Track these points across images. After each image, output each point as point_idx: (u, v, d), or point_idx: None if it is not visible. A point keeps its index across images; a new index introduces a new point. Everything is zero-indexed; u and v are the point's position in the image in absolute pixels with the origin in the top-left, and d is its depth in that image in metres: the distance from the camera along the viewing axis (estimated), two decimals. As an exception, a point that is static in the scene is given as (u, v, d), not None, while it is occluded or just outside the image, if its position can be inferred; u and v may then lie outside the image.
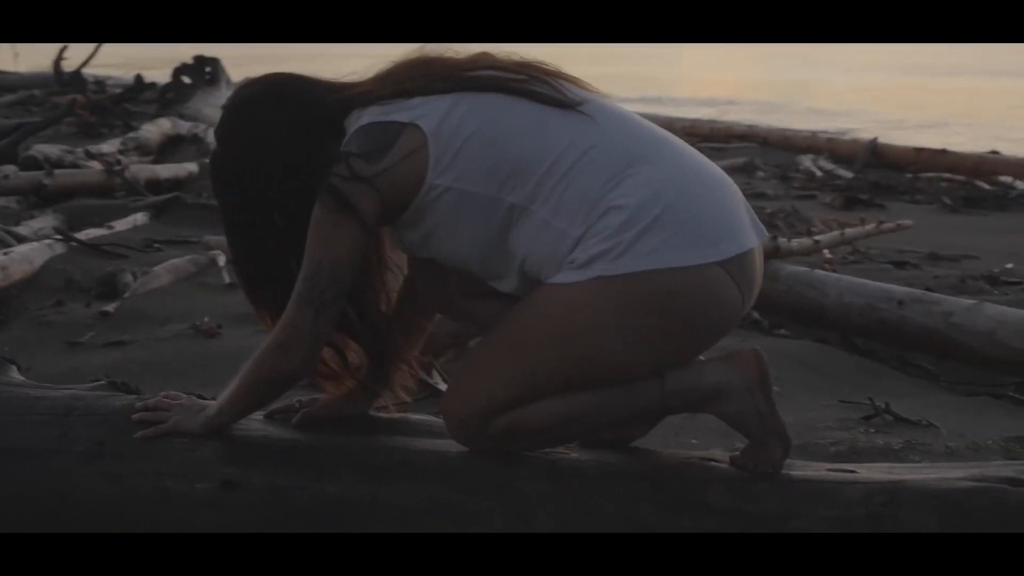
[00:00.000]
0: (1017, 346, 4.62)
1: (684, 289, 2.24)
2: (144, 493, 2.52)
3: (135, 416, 2.59)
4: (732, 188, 2.38)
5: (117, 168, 7.98)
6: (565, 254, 2.28)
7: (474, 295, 2.49)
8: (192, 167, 8.96)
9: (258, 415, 2.65)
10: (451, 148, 2.31)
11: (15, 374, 2.96)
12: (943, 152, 13.57)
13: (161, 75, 15.42)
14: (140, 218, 6.96)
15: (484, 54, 2.43)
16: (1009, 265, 7.16)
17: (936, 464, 2.43)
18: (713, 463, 2.34)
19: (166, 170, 8.62)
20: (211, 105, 13.51)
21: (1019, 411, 4.27)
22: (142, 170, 8.35)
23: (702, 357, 2.40)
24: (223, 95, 14.38)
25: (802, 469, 2.31)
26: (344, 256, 2.34)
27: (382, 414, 2.65)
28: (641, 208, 2.24)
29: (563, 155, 2.29)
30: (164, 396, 2.66)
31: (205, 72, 14.84)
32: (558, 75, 2.41)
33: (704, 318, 2.28)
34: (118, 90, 16.38)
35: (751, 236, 2.32)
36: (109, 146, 9.23)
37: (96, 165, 8.22)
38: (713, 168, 2.39)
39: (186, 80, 14.83)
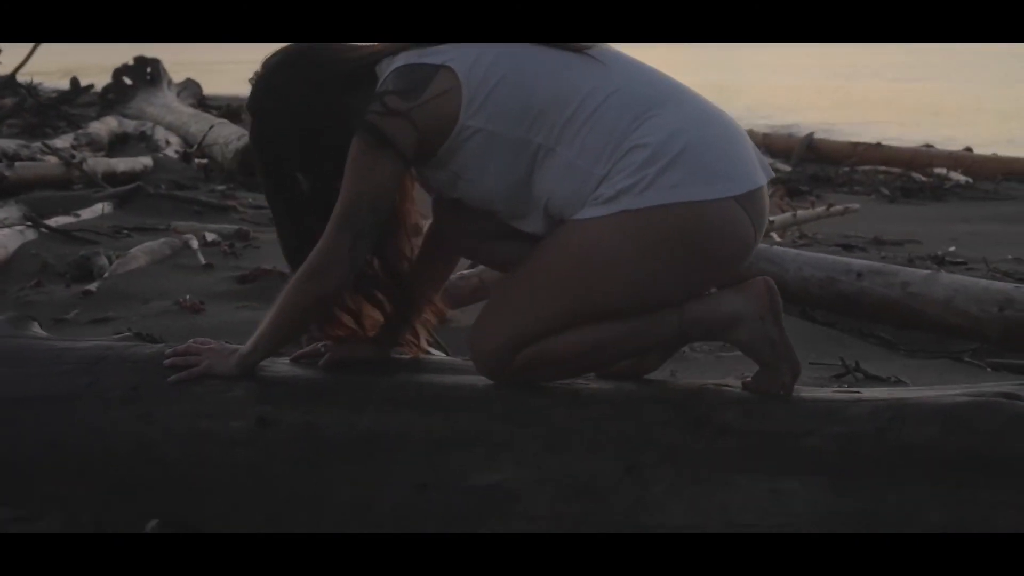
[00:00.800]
0: (973, 312, 4.82)
1: (704, 221, 2.40)
2: (179, 433, 2.62)
3: (167, 361, 2.69)
4: (742, 131, 2.54)
5: (75, 161, 8.02)
6: (589, 192, 2.42)
7: (498, 237, 2.62)
8: (147, 161, 9.01)
9: (285, 361, 2.77)
10: (482, 90, 2.44)
11: (37, 329, 3.06)
12: (878, 146, 13.91)
13: (98, 80, 15.35)
14: (105, 207, 7.01)
15: None
16: (951, 248, 7.42)
17: (933, 386, 2.59)
18: (728, 388, 2.50)
19: (123, 163, 8.67)
20: (154, 104, 13.50)
21: (981, 373, 4.47)
22: (99, 163, 8.39)
23: (715, 290, 2.57)
24: (165, 95, 14.39)
25: (811, 391, 2.48)
26: (382, 188, 2.46)
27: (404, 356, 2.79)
28: (663, 146, 2.39)
29: (587, 98, 2.44)
30: (194, 342, 2.77)
31: (146, 72, 14.81)
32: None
33: (721, 249, 2.43)
34: (53, 94, 16.28)
35: (761, 174, 2.49)
36: (62, 142, 9.25)
37: (52, 160, 8.25)
38: (724, 112, 2.54)
39: (127, 81, 14.81)
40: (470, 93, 2.44)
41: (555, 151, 2.45)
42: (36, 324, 3.07)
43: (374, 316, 2.74)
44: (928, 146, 14.12)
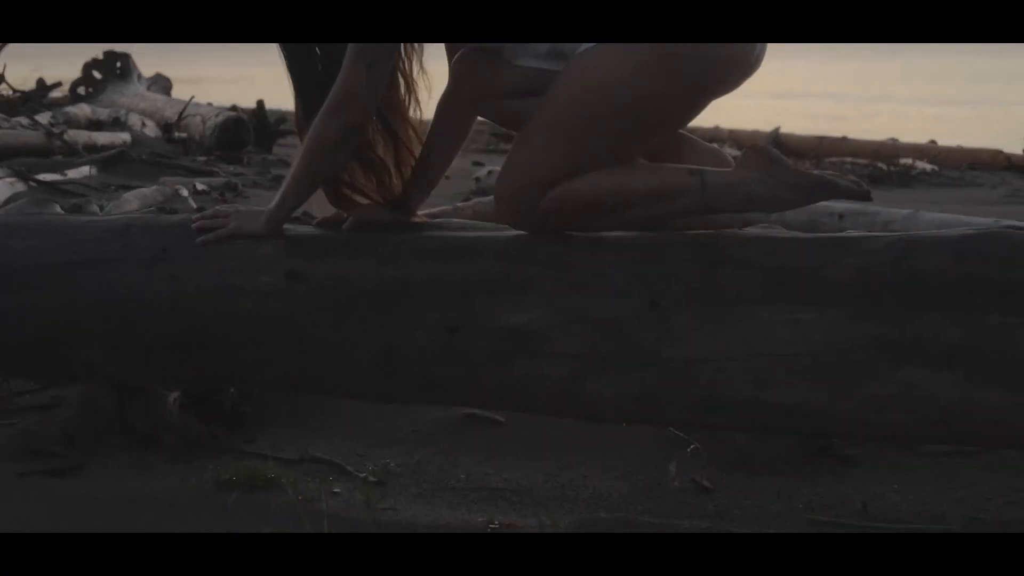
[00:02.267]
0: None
1: None
2: (209, 290, 2.68)
3: (195, 224, 2.76)
4: None
5: (57, 131, 8.05)
6: None
7: (514, 94, 2.70)
8: (126, 136, 9.04)
9: (310, 226, 2.84)
10: None
11: (59, 210, 3.12)
12: (844, 139, 14.12)
13: (65, 80, 15.29)
14: (90, 170, 7.05)
15: None
16: (923, 230, 7.54)
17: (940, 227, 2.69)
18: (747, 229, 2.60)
19: (103, 136, 8.70)
20: (125, 95, 13.52)
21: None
22: (80, 135, 8.42)
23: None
24: (136, 87, 14.41)
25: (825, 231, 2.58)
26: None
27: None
28: None
29: None
30: (221, 207, 2.84)
31: (116, 67, 14.82)
32: None
33: (720, 55, 2.52)
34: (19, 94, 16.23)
35: None
36: (41, 119, 9.25)
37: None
38: None
39: (96, 75, 14.82)
40: None
41: None
42: (58, 206, 3.13)
43: (393, 181, 2.82)
44: (893, 140, 14.34)
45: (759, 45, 2.60)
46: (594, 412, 2.56)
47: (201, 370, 2.77)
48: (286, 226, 2.75)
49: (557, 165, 2.53)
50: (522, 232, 2.63)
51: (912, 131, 16.29)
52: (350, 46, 2.56)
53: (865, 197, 2.52)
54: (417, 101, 2.81)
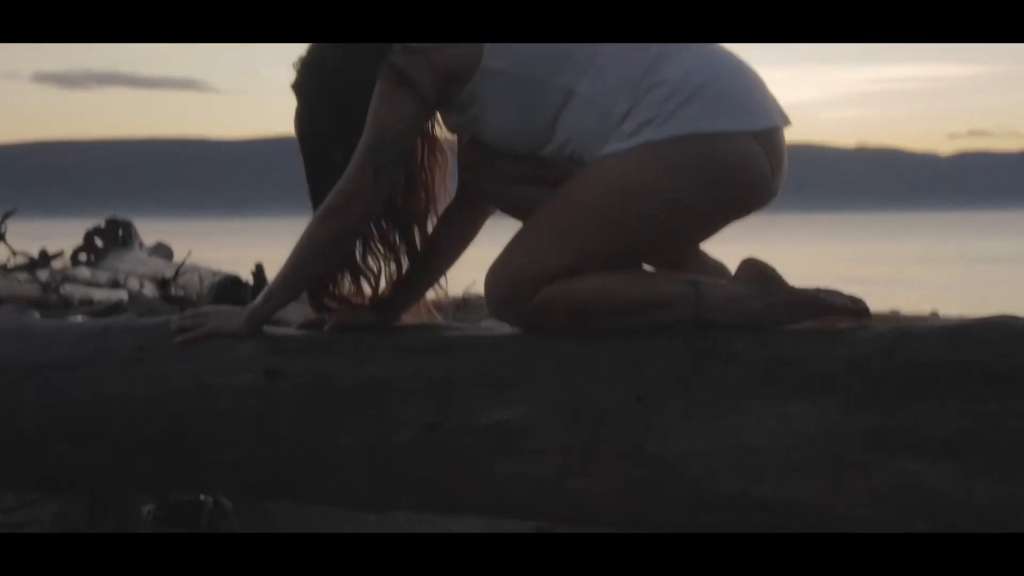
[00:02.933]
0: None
1: (721, 153, 2.46)
2: (186, 390, 2.62)
3: (174, 325, 2.71)
4: (757, 75, 2.61)
5: (53, 285, 8.07)
6: (612, 129, 2.49)
7: (523, 182, 2.66)
8: (123, 294, 9.05)
9: (291, 328, 2.79)
10: None
11: (39, 316, 3.08)
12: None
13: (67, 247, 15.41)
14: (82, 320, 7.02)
15: None
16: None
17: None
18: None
19: (100, 293, 8.72)
20: (125, 261, 13.59)
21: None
22: (77, 290, 8.44)
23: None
24: (137, 255, 14.48)
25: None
26: (403, 127, 2.53)
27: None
28: (683, 80, 2.47)
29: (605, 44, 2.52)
30: (200, 309, 2.80)
31: (118, 234, 14.93)
32: None
33: (740, 182, 2.49)
34: (26, 260, 16.35)
35: (778, 117, 2.56)
36: (41, 276, 9.29)
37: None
38: (737, 56, 2.62)
39: (98, 242, 14.91)
40: None
41: (576, 91, 2.52)
42: (37, 313, 3.09)
43: (382, 281, 2.78)
44: (895, 311, 14.36)
45: (781, 174, 2.58)
46: (578, 512, 2.47)
47: (175, 474, 2.69)
48: (266, 327, 2.70)
49: (557, 264, 2.49)
50: (507, 330, 2.58)
51: (915, 300, 16.38)
52: (359, 150, 2.53)
53: (863, 314, 2.48)
54: (436, 215, 2.79)
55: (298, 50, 2.71)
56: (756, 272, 2.54)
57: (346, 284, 2.75)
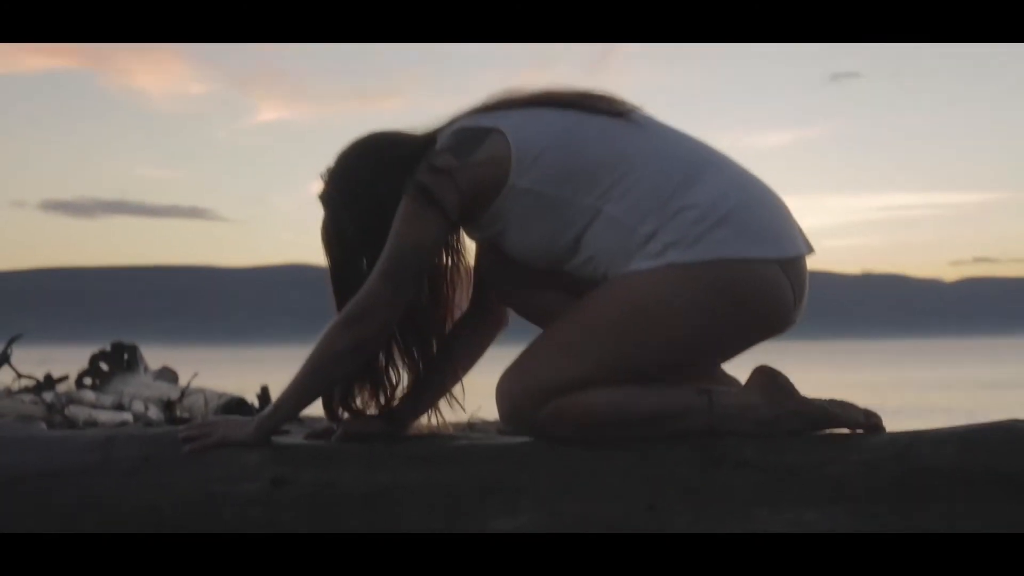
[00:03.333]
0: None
1: (747, 279, 2.45)
2: (192, 499, 2.59)
3: (181, 434, 2.69)
4: (783, 202, 2.62)
5: (58, 407, 8.05)
6: (636, 249, 2.49)
7: (541, 286, 2.67)
8: (127, 416, 9.02)
9: (298, 436, 2.78)
10: (531, 152, 2.53)
11: (43, 427, 3.06)
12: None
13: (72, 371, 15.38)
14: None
15: (551, 88, 2.67)
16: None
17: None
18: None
19: (104, 415, 8.70)
20: (131, 384, 13.55)
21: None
22: (81, 411, 8.42)
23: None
24: (142, 379, 14.46)
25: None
26: (425, 243, 2.53)
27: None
28: (712, 205, 2.47)
29: (633, 161, 2.52)
30: (208, 419, 2.78)
31: (123, 358, 14.92)
32: (609, 96, 2.67)
33: (763, 308, 2.49)
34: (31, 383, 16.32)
35: (803, 245, 2.56)
36: (46, 398, 9.28)
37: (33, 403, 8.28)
38: (764, 182, 2.63)
39: (103, 367, 14.89)
40: (519, 154, 2.53)
41: (602, 211, 2.52)
42: (43, 424, 3.08)
43: (392, 398, 2.77)
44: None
45: (803, 301, 2.58)
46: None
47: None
48: (273, 437, 2.68)
49: (571, 376, 2.48)
50: (516, 439, 2.56)
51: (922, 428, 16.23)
52: (380, 263, 2.54)
53: (876, 429, 2.47)
54: (451, 315, 2.78)
55: (316, 167, 2.75)
56: (768, 380, 2.53)
57: (365, 394, 2.74)
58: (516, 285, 2.71)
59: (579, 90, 2.68)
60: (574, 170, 2.53)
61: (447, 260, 2.74)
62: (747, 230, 2.47)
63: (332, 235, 2.70)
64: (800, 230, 2.61)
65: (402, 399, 2.77)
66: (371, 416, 2.75)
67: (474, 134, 2.57)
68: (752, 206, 2.51)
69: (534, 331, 2.68)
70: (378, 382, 2.72)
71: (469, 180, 2.53)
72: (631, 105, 2.66)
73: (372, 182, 2.63)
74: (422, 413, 2.79)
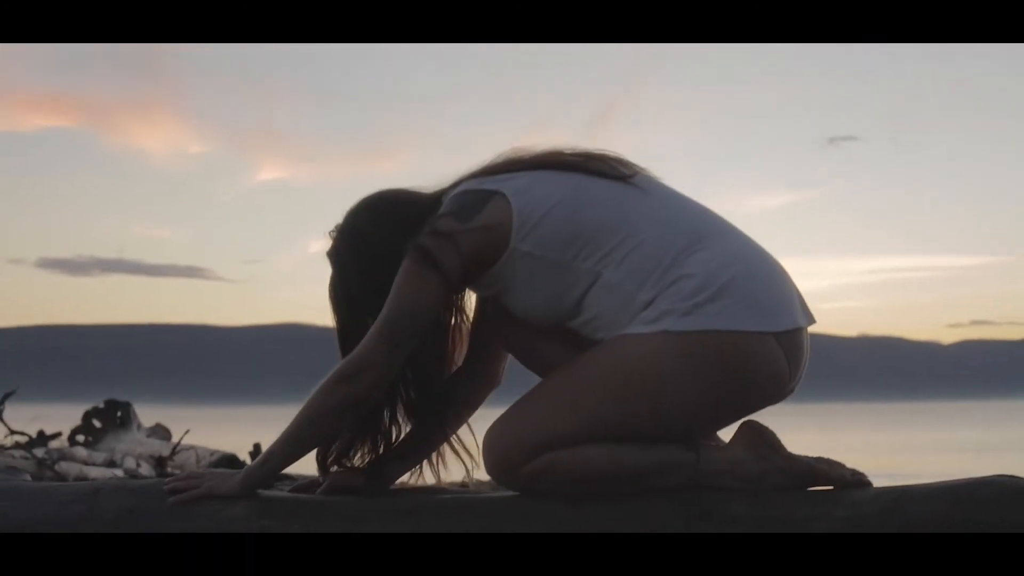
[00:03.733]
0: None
1: (740, 351, 2.45)
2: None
3: (167, 486, 2.68)
4: (785, 272, 2.61)
5: (49, 462, 8.00)
6: (634, 314, 2.49)
7: (548, 338, 2.67)
8: (119, 472, 8.97)
9: (283, 490, 2.76)
10: (534, 216, 2.54)
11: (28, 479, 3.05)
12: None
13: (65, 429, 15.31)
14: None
15: (556, 149, 2.69)
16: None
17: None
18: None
19: (95, 471, 8.64)
20: (124, 441, 13.49)
21: None
22: (72, 467, 8.37)
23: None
24: (135, 436, 14.39)
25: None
26: (425, 304, 2.54)
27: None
28: (709, 276, 2.46)
29: (635, 227, 2.52)
30: (194, 471, 2.77)
31: (116, 415, 14.86)
32: (614, 158, 2.68)
33: (754, 381, 2.48)
34: (24, 439, 16.23)
35: (802, 316, 2.55)
36: (37, 453, 9.21)
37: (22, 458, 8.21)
38: (766, 251, 2.62)
39: (96, 424, 14.83)
40: (521, 219, 2.54)
41: (602, 275, 2.52)
42: (28, 476, 3.06)
43: (380, 452, 2.77)
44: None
45: (799, 372, 2.58)
46: None
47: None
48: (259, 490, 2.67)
49: (558, 432, 2.48)
50: (499, 493, 2.55)
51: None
52: (379, 319, 2.54)
53: (862, 484, 2.47)
54: (449, 367, 2.78)
55: (322, 225, 2.76)
56: (755, 436, 2.52)
57: (364, 448, 2.74)
58: (520, 332, 2.71)
59: (585, 151, 2.68)
60: (575, 234, 2.54)
61: (451, 318, 2.74)
62: (743, 302, 2.46)
63: (339, 292, 2.71)
64: (801, 301, 2.60)
65: (389, 453, 2.76)
66: (357, 469, 2.74)
67: (477, 197, 2.57)
68: (751, 278, 2.50)
69: (524, 390, 2.67)
70: (379, 437, 2.72)
71: (470, 243, 2.54)
72: (636, 167, 2.67)
73: (377, 241, 2.65)
74: (409, 469, 2.78)
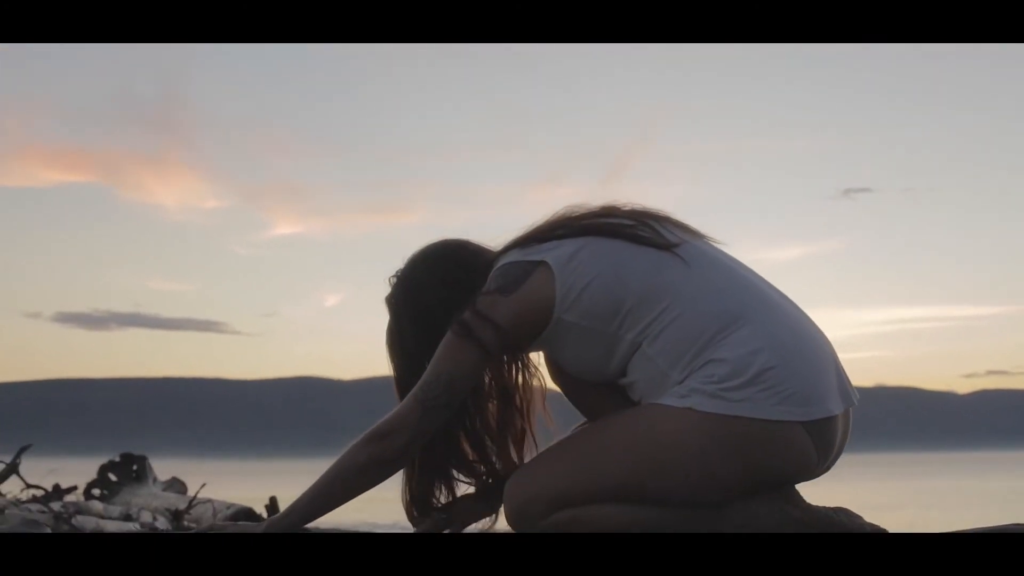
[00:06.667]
0: None
1: (765, 439, 2.46)
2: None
3: (192, 536, 2.70)
4: (826, 350, 2.60)
5: (65, 516, 7.99)
6: (667, 387, 2.52)
7: (600, 386, 2.71)
8: (135, 526, 8.96)
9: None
10: (577, 287, 2.57)
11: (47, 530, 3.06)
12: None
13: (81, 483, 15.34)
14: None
15: (610, 206, 2.71)
16: None
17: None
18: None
19: (112, 524, 8.63)
20: (139, 495, 13.48)
21: None
22: (88, 521, 8.36)
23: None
24: (151, 489, 14.39)
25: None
26: (462, 373, 2.58)
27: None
28: (740, 363, 2.47)
29: (675, 301, 2.54)
30: (216, 524, 2.79)
31: (132, 469, 14.86)
32: (668, 219, 2.71)
33: (777, 468, 2.50)
34: (40, 492, 16.23)
35: (837, 402, 2.55)
36: (53, 507, 9.22)
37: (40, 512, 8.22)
38: (809, 327, 2.60)
39: (112, 477, 14.83)
40: (563, 291, 2.58)
41: (640, 346, 2.55)
42: (47, 528, 3.09)
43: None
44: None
45: (830, 457, 2.59)
46: None
47: None
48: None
49: (577, 490, 2.52)
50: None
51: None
52: (417, 384, 2.58)
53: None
54: (535, 438, 2.82)
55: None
56: (773, 488, 2.54)
57: (440, 493, 2.79)
58: (572, 379, 2.75)
59: (641, 210, 2.69)
60: (617, 306, 2.55)
61: (515, 376, 2.78)
62: (773, 391, 2.46)
63: (394, 338, 2.76)
64: (841, 383, 2.58)
65: (464, 498, 2.80)
66: (468, 500, 2.81)
67: (521, 269, 2.60)
68: (786, 363, 2.49)
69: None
70: (451, 485, 2.77)
71: (513, 315, 2.57)
72: (687, 232, 2.68)
73: (431, 294, 2.70)
74: (484, 516, 2.83)
